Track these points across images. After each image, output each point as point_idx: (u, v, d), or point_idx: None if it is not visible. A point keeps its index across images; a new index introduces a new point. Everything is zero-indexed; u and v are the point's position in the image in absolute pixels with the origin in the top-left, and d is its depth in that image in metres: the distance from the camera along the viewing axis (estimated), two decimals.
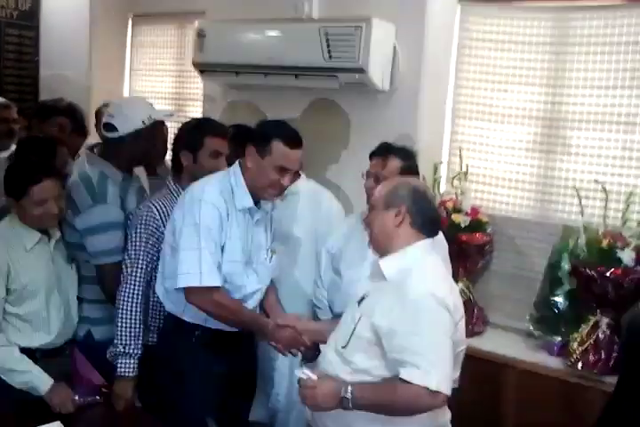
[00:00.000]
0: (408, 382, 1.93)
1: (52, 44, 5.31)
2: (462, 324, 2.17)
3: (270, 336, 2.60)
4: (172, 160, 2.98)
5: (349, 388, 2.01)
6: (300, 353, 2.68)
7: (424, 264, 2.11)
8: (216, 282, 2.51)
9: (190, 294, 2.51)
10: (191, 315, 2.62)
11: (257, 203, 2.63)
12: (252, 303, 2.68)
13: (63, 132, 3.68)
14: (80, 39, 5.07)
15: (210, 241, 2.50)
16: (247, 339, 2.77)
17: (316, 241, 3.10)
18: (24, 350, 2.57)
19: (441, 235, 2.79)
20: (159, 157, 3.14)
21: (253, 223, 2.66)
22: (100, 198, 2.79)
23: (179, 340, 2.67)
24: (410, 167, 2.79)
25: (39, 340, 2.62)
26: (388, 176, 2.67)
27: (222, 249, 2.55)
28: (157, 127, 3.02)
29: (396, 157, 2.77)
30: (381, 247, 2.20)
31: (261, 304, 2.80)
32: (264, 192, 2.58)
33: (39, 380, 2.54)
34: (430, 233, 2.20)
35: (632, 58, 3.08)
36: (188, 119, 3.19)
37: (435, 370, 1.93)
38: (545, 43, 3.29)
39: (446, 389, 1.95)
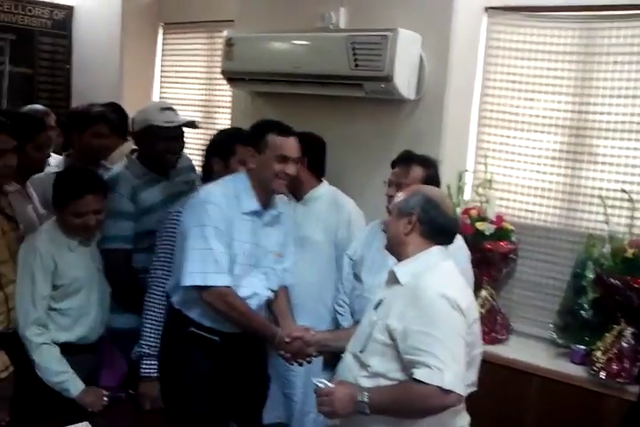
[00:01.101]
0: (421, 382, 1.95)
1: (84, 53, 5.43)
2: (477, 326, 2.18)
3: (278, 346, 2.65)
4: (203, 166, 3.08)
5: (365, 392, 2.03)
6: (311, 360, 2.74)
7: (436, 268, 2.14)
8: (223, 282, 2.57)
9: (203, 292, 2.57)
10: (197, 313, 2.69)
11: (266, 206, 2.70)
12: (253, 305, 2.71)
13: (103, 138, 3.62)
14: (111, 48, 5.18)
15: (218, 242, 2.57)
16: (251, 342, 2.78)
17: (336, 246, 3.15)
18: (64, 345, 2.68)
19: (462, 244, 2.81)
20: (158, 163, 3.16)
21: (261, 226, 2.70)
22: (110, 188, 2.92)
23: (175, 335, 2.74)
24: (431, 176, 2.83)
25: (78, 334, 2.73)
26: (410, 184, 2.70)
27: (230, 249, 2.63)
28: (149, 132, 3.08)
29: (419, 165, 2.81)
30: (395, 252, 2.26)
31: (271, 308, 2.85)
32: (273, 184, 2.65)
33: (72, 383, 2.64)
34: (441, 242, 2.22)
35: None
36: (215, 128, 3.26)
37: (447, 369, 1.94)
38: (571, 52, 3.29)
39: (459, 388, 1.96)
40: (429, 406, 1.99)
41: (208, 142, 3.15)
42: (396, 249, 2.24)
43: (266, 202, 2.71)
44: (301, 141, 3.19)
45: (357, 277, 3.01)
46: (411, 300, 2.07)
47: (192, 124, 3.23)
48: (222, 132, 3.19)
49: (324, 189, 3.28)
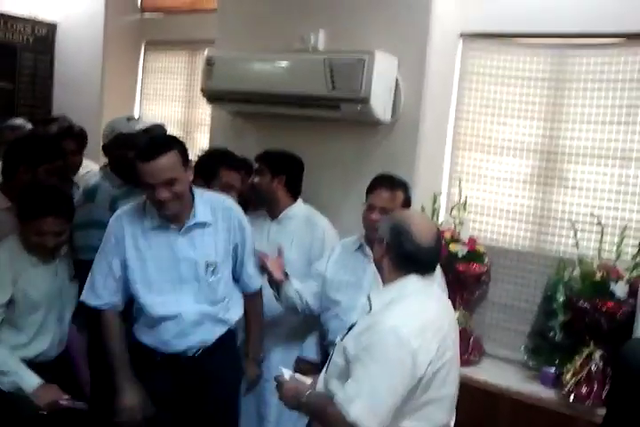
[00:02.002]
0: (337, 403, 1.96)
1: (66, 69, 5.45)
2: (449, 365, 2.06)
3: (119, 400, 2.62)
4: None
5: (307, 394, 2.11)
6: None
7: (405, 299, 2.07)
8: (91, 301, 2.66)
9: None
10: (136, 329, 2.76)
11: (176, 220, 2.65)
12: (172, 328, 2.67)
13: (70, 154, 3.61)
14: (93, 64, 5.21)
15: (101, 262, 2.65)
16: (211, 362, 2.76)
17: (311, 264, 3.16)
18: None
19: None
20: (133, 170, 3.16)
21: (177, 238, 2.65)
22: (88, 198, 2.98)
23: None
24: (408, 199, 2.88)
25: (33, 351, 2.69)
26: (395, 209, 2.73)
27: (126, 270, 2.64)
28: (117, 141, 3.14)
29: (401, 189, 2.85)
30: (380, 274, 2.23)
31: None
32: (157, 208, 2.59)
33: (22, 380, 2.57)
34: (415, 270, 2.13)
35: (628, 95, 3.15)
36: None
37: (358, 401, 1.92)
38: (544, 78, 3.36)
39: (368, 422, 1.90)
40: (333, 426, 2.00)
41: (195, 162, 3.12)
42: (380, 273, 2.23)
43: (176, 217, 2.65)
44: (280, 160, 3.25)
45: (327, 297, 3.01)
46: (368, 326, 2.03)
47: (158, 128, 3.26)
48: (208, 154, 3.18)
49: (299, 208, 3.31)
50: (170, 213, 2.58)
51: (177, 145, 2.55)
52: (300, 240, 3.19)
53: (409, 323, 2.00)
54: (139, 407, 2.62)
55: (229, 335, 2.82)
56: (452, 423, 2.19)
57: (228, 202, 2.79)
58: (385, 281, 2.18)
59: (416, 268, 2.13)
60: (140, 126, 3.20)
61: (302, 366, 3.15)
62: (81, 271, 2.87)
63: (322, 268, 3.03)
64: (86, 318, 2.91)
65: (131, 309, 2.77)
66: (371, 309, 2.13)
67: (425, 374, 1.96)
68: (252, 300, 2.91)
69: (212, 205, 2.71)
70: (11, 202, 2.89)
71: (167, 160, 2.47)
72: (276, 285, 2.92)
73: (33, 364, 2.67)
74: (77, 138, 3.70)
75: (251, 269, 2.86)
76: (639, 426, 2.12)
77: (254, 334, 2.93)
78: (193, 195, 2.67)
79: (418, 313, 2.06)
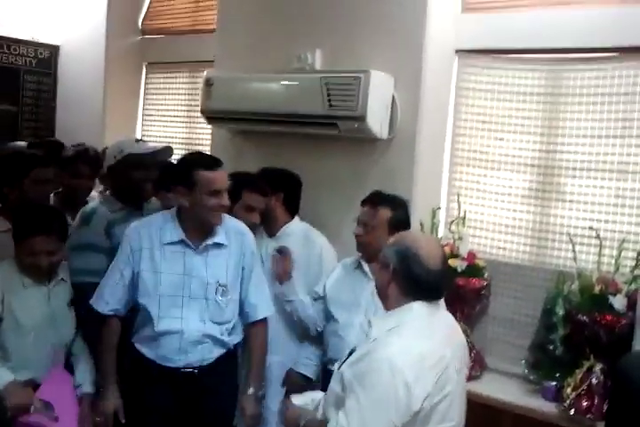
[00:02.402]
0: None
1: (68, 91, 5.52)
2: (450, 400, 1.99)
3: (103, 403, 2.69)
4: None
5: (304, 421, 2.11)
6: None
7: (406, 328, 2.02)
8: (98, 306, 2.74)
9: None
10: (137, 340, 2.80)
11: (199, 237, 2.73)
12: (173, 344, 2.70)
13: (83, 178, 3.67)
14: (95, 86, 5.27)
15: (114, 269, 2.74)
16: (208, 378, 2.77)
17: (308, 282, 3.18)
18: None
19: None
20: (137, 192, 3.19)
21: (193, 255, 2.73)
22: (84, 222, 2.99)
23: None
24: (399, 217, 2.88)
25: (20, 376, 2.60)
26: (377, 226, 2.79)
27: (137, 280, 2.71)
28: (129, 161, 3.13)
29: (386, 207, 2.86)
30: (383, 303, 2.17)
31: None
32: (211, 218, 2.70)
33: None
34: (422, 297, 2.07)
35: (623, 108, 3.17)
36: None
37: None
38: (539, 93, 3.39)
39: None
40: None
41: None
42: (382, 299, 2.16)
43: (198, 233, 2.73)
44: (278, 178, 3.29)
45: (328, 315, 3.04)
46: (365, 354, 1.98)
47: (168, 150, 3.30)
48: (231, 176, 3.17)
49: (296, 225, 3.34)
50: (220, 222, 2.73)
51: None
52: (298, 257, 3.21)
53: (406, 353, 1.93)
54: (113, 414, 2.70)
55: (229, 355, 2.83)
56: None
57: (243, 227, 2.88)
58: (388, 307, 2.12)
59: (424, 293, 2.07)
60: (148, 148, 3.22)
61: (292, 378, 3.18)
62: (75, 293, 2.89)
63: (321, 290, 3.10)
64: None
65: (133, 321, 2.81)
66: (371, 334, 2.08)
67: (422, 407, 1.90)
68: (254, 330, 2.91)
69: (227, 227, 2.79)
70: (10, 224, 2.89)
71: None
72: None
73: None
74: (92, 162, 3.71)
75: (254, 299, 2.87)
76: None
77: (256, 366, 2.89)
78: None
79: (417, 343, 1.99)
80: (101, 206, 3.14)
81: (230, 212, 2.95)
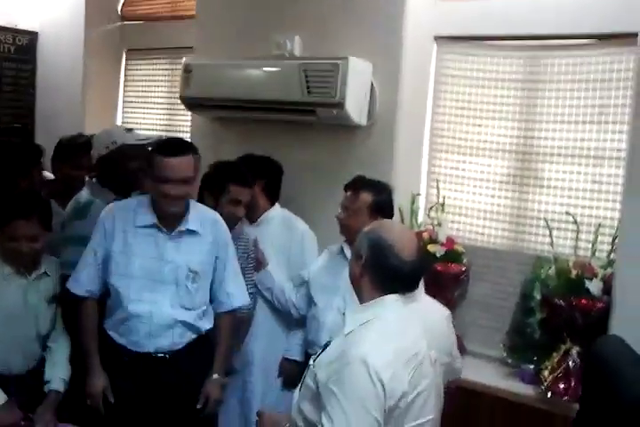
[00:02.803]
0: None
1: (48, 78, 5.45)
2: (426, 396, 1.95)
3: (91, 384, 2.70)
4: (198, 198, 3.11)
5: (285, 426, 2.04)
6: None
7: (378, 324, 1.96)
8: (73, 288, 2.75)
9: None
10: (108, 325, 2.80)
11: (172, 222, 2.73)
12: (143, 328, 2.71)
13: (84, 170, 3.52)
14: (75, 73, 5.21)
15: (89, 251, 2.75)
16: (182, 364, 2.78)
17: (290, 267, 3.21)
18: None
19: (433, 309, 2.66)
20: (132, 183, 3.17)
21: (166, 240, 2.74)
22: (79, 215, 2.96)
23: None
24: (381, 202, 2.89)
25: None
26: (358, 210, 2.81)
27: (108, 261, 2.72)
28: (125, 152, 3.10)
29: (368, 191, 2.87)
30: (355, 290, 2.09)
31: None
32: (162, 205, 2.70)
33: None
34: (395, 289, 2.00)
35: (600, 94, 3.19)
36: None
37: None
38: (517, 80, 3.41)
39: None
40: None
41: (202, 175, 3.13)
42: (355, 291, 2.08)
43: (170, 219, 2.73)
44: (260, 165, 3.29)
45: (310, 300, 3.08)
46: (339, 355, 1.92)
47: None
48: (216, 168, 3.18)
49: (276, 212, 3.36)
50: (173, 211, 2.70)
51: (196, 151, 2.73)
52: (279, 243, 3.24)
53: (380, 351, 1.88)
54: (103, 393, 2.70)
55: (201, 340, 2.82)
56: None
57: (217, 217, 2.87)
58: (362, 300, 2.04)
59: (399, 286, 2.00)
60: (141, 138, 3.19)
61: (286, 367, 3.21)
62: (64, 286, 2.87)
63: (305, 273, 3.12)
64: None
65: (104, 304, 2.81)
66: (345, 328, 2.02)
67: (396, 406, 1.87)
68: (225, 319, 2.89)
69: (202, 216, 2.80)
70: None
71: (188, 160, 2.66)
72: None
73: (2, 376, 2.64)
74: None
75: (231, 288, 2.86)
76: (610, 422, 2.15)
77: (222, 354, 2.88)
78: (187, 203, 2.76)
79: (391, 339, 1.94)
80: (96, 198, 3.07)
81: (217, 205, 2.98)
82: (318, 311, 2.97)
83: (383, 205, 2.90)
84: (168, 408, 2.74)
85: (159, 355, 2.73)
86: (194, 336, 2.79)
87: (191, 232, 2.76)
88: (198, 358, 2.80)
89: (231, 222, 2.98)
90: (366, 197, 2.86)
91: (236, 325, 2.95)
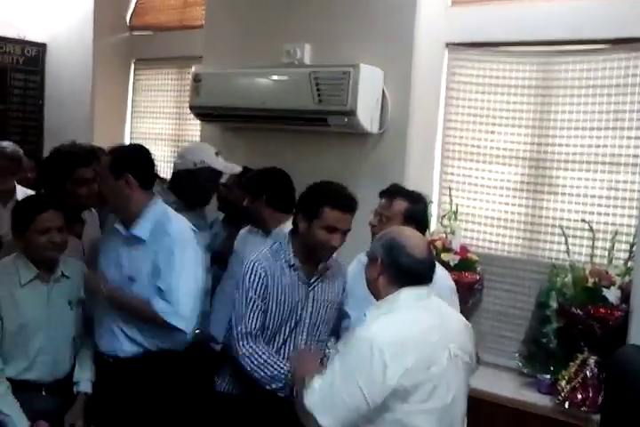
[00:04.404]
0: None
1: (56, 89, 5.47)
2: (437, 381, 2.02)
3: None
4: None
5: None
6: None
7: (393, 313, 2.10)
8: None
9: None
10: None
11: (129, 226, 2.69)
12: (98, 325, 2.76)
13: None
14: (84, 84, 5.23)
15: None
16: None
17: None
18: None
19: (442, 276, 2.71)
20: (201, 200, 3.30)
21: (121, 244, 2.72)
22: None
23: None
24: (416, 211, 2.80)
25: (9, 372, 2.59)
26: (392, 217, 2.73)
27: None
28: (208, 174, 3.19)
29: (403, 199, 2.79)
30: (374, 295, 2.23)
31: None
32: None
33: (11, 423, 2.50)
34: (412, 284, 2.15)
35: (615, 100, 3.16)
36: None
37: (318, 393, 2.06)
38: (530, 86, 3.38)
39: (321, 417, 2.02)
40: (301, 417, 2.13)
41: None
42: (373, 292, 2.23)
43: (129, 221, 2.69)
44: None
45: (343, 312, 3.00)
46: (352, 333, 2.12)
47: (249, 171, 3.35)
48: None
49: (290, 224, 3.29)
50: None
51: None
52: None
53: (387, 332, 2.03)
54: None
55: (150, 359, 2.71)
56: None
57: (174, 229, 2.68)
58: (380, 298, 2.18)
59: (413, 280, 2.15)
60: (227, 167, 3.26)
61: None
62: None
63: None
64: None
65: None
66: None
67: (399, 383, 1.96)
68: None
69: (158, 225, 2.68)
70: None
71: None
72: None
73: (37, 384, 2.64)
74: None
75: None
76: None
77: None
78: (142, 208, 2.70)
79: (400, 325, 2.07)
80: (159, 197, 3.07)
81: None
82: (351, 323, 2.88)
83: (417, 214, 2.80)
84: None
85: (105, 357, 2.74)
86: (138, 350, 2.69)
87: (138, 239, 2.68)
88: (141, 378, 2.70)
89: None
90: (401, 204, 2.79)
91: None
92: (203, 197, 3.28)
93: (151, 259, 2.64)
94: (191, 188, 3.23)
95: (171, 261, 2.62)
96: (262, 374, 2.45)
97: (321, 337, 2.67)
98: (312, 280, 2.61)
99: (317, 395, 2.05)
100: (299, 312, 2.58)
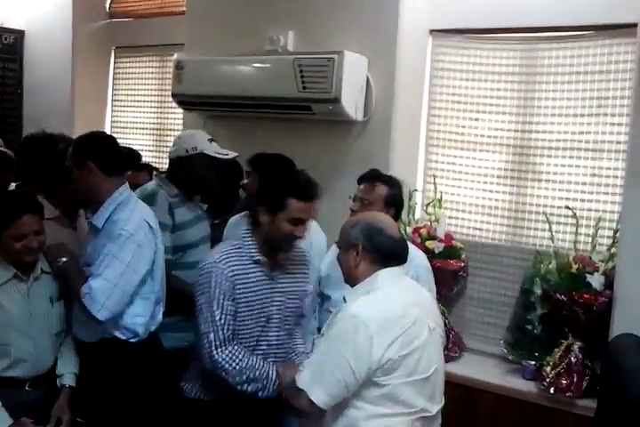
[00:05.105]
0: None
1: (35, 77, 5.39)
2: (420, 354, 2.10)
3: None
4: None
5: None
6: None
7: (375, 291, 2.15)
8: None
9: None
10: None
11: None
12: None
13: None
14: (63, 71, 5.16)
15: None
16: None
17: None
18: None
19: (417, 256, 2.80)
20: (199, 188, 3.25)
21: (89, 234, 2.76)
22: (148, 202, 2.93)
23: None
24: (394, 196, 2.88)
25: (17, 374, 2.56)
26: (374, 202, 2.80)
27: None
28: (202, 160, 3.13)
29: (384, 184, 2.85)
30: (351, 283, 2.26)
31: None
32: None
33: None
34: (393, 264, 2.21)
35: (598, 86, 3.17)
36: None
37: (308, 371, 2.13)
38: (514, 73, 3.38)
39: (312, 393, 2.09)
40: (291, 403, 2.23)
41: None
42: (352, 279, 2.25)
43: (94, 209, 2.69)
44: (267, 163, 3.18)
45: (321, 295, 3.02)
46: (336, 313, 2.17)
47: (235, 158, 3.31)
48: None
49: None
50: None
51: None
52: None
53: (370, 309, 2.09)
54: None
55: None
56: (436, 410, 2.20)
57: (121, 218, 2.65)
58: (357, 283, 2.22)
59: (394, 261, 2.21)
60: (221, 152, 3.20)
61: None
62: None
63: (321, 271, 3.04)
64: None
65: None
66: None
67: (385, 357, 2.03)
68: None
69: (111, 214, 2.66)
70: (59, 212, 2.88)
71: None
72: None
73: (9, 379, 2.58)
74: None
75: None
76: (628, 421, 2.12)
77: None
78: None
79: (382, 302, 2.13)
80: (160, 189, 3.13)
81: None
82: (331, 304, 2.90)
83: (396, 199, 2.89)
84: None
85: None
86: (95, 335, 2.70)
87: (94, 227, 2.67)
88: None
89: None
90: (382, 189, 2.84)
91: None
92: (195, 186, 3.21)
93: (102, 247, 2.62)
94: (186, 176, 3.18)
95: (106, 248, 2.60)
96: (244, 377, 2.38)
97: (290, 327, 2.63)
98: (275, 273, 2.53)
99: (308, 373, 2.12)
100: (268, 308, 2.51)
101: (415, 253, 2.74)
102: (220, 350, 2.38)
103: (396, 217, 2.87)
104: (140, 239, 2.64)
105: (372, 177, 2.92)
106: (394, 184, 2.91)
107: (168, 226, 3.05)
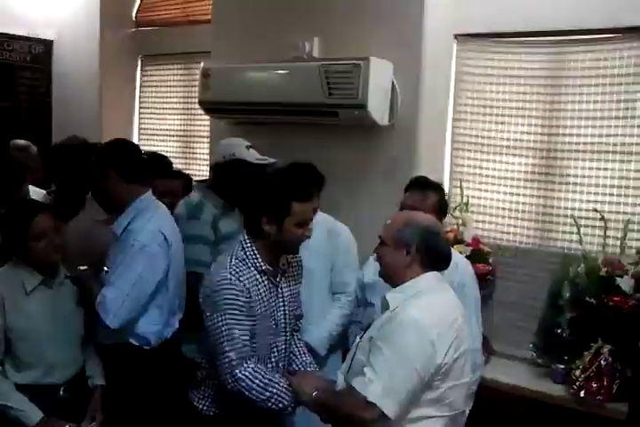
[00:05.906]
0: (356, 390, 2.04)
1: (63, 86, 5.46)
2: (465, 358, 2.13)
3: None
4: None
5: (315, 391, 2.22)
6: None
7: (424, 294, 2.14)
8: None
9: None
10: None
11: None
12: None
13: None
14: (91, 80, 5.23)
15: None
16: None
17: (332, 273, 3.15)
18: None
19: (463, 262, 2.83)
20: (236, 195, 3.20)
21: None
22: (193, 214, 3.05)
23: None
24: (443, 202, 2.87)
25: (28, 378, 2.60)
26: (427, 210, 2.65)
27: None
28: (239, 168, 3.14)
29: (433, 191, 2.82)
30: (392, 281, 2.25)
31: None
32: None
33: (27, 418, 2.52)
34: (440, 268, 2.22)
35: (625, 89, 3.16)
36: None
37: (377, 382, 2.01)
38: (540, 76, 3.38)
39: (386, 405, 1.99)
40: (350, 414, 2.06)
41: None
42: (394, 278, 2.23)
43: (117, 216, 2.75)
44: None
45: (364, 302, 3.03)
46: (390, 318, 2.11)
47: (274, 164, 3.31)
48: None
49: (319, 217, 3.22)
50: None
51: None
52: (322, 249, 3.10)
53: (428, 315, 2.08)
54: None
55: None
56: (468, 410, 2.26)
57: (136, 227, 2.70)
58: (403, 282, 2.19)
59: (443, 265, 2.23)
60: (259, 158, 3.23)
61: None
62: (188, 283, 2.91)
63: (361, 275, 3.07)
64: None
65: None
66: (388, 308, 2.17)
67: (444, 361, 2.04)
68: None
69: (130, 222, 2.72)
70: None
71: None
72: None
73: (46, 386, 2.64)
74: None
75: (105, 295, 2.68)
76: None
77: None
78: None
79: (436, 306, 2.13)
80: (206, 202, 3.17)
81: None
82: (375, 310, 2.89)
83: (444, 205, 2.88)
84: None
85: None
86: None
87: (115, 235, 2.77)
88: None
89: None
90: (433, 197, 2.81)
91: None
92: (233, 193, 3.17)
93: (118, 255, 2.70)
94: (225, 183, 3.20)
95: (120, 258, 2.67)
96: (268, 394, 2.33)
97: (294, 328, 2.64)
98: (278, 280, 2.51)
99: (379, 387, 2.00)
100: (276, 315, 2.49)
101: (460, 260, 2.72)
102: (242, 368, 2.33)
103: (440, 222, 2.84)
104: (153, 250, 2.69)
105: (423, 185, 2.86)
106: (441, 190, 2.90)
107: (209, 240, 3.07)
